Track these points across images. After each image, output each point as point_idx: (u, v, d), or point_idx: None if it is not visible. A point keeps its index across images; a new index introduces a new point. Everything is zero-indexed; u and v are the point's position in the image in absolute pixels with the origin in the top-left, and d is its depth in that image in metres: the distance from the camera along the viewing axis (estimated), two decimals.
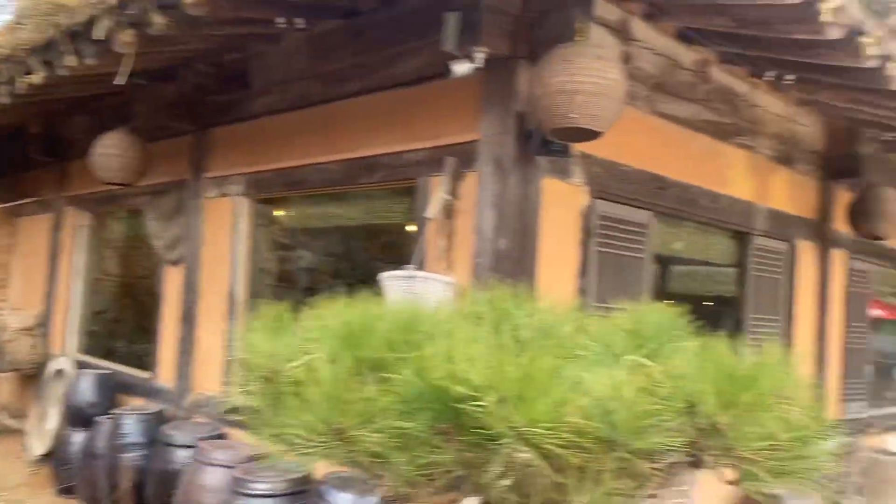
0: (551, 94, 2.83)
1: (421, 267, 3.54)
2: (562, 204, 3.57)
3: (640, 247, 4.00)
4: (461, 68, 3.16)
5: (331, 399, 1.09)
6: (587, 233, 3.70)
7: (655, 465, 1.03)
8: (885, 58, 3.37)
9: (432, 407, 1.06)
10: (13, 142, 7.68)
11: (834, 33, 3.09)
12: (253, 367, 1.25)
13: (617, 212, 3.87)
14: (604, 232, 3.80)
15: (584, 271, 3.68)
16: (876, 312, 6.64)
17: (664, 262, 4.82)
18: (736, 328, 4.82)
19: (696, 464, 1.04)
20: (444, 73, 3.28)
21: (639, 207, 3.99)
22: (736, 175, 4.70)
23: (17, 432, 7.14)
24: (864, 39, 3.19)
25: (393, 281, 3.22)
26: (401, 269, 3.28)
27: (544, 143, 3.19)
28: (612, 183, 3.81)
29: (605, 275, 3.80)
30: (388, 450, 1.08)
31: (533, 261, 3.37)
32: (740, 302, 4.88)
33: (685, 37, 4.07)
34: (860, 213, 5.13)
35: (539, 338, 1.37)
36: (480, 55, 3.14)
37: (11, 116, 6.29)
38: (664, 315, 1.31)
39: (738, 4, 3.28)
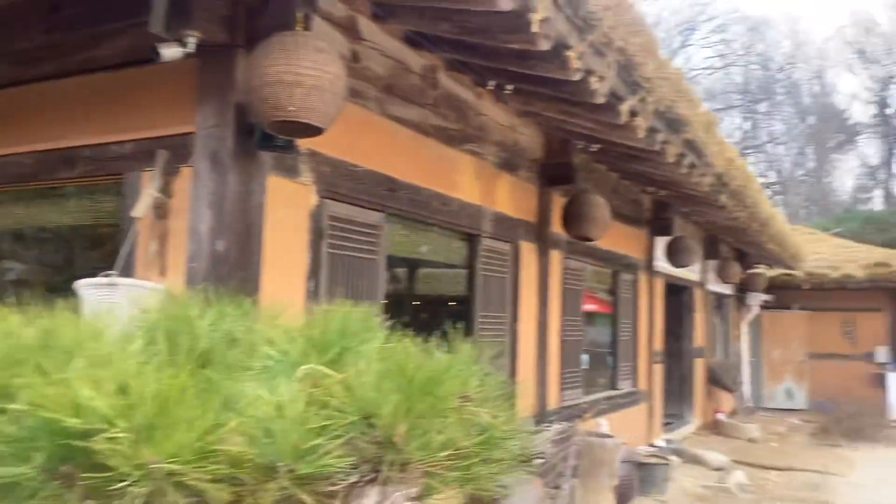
0: (269, 84, 2.65)
1: (129, 272, 3.16)
2: (289, 203, 3.40)
3: (374, 248, 3.96)
4: (170, 53, 2.85)
5: None
6: (317, 234, 3.57)
7: (333, 489, 0.91)
8: (588, 72, 3.66)
9: (48, 446, 0.84)
10: None
11: (543, 45, 3.28)
12: None
13: (348, 212, 3.79)
14: (335, 233, 3.69)
15: (314, 274, 3.53)
16: (589, 307, 7.34)
17: (398, 263, 4.86)
18: (467, 326, 5.00)
19: (378, 482, 0.94)
20: (154, 57, 2.95)
21: (371, 209, 3.95)
22: (464, 179, 4.87)
23: None
24: (569, 53, 3.43)
25: (91, 290, 2.82)
26: (101, 276, 2.88)
27: (266, 137, 2.99)
28: (342, 183, 3.72)
29: (337, 277, 3.70)
30: None
31: (256, 264, 3.15)
32: (470, 301, 5.06)
33: (413, 41, 4.11)
34: (572, 217, 5.60)
35: (221, 350, 1.19)
36: (192, 40, 2.86)
37: None
38: (352, 316, 1.20)
39: (460, 10, 3.35)
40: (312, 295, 3.53)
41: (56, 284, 4.04)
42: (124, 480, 0.80)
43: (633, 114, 4.24)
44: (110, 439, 0.80)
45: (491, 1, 2.96)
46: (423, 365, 1.01)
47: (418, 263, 5.24)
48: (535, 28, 3.09)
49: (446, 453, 0.94)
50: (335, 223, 3.70)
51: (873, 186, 48.53)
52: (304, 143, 3.39)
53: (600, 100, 3.90)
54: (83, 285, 2.82)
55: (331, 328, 1.14)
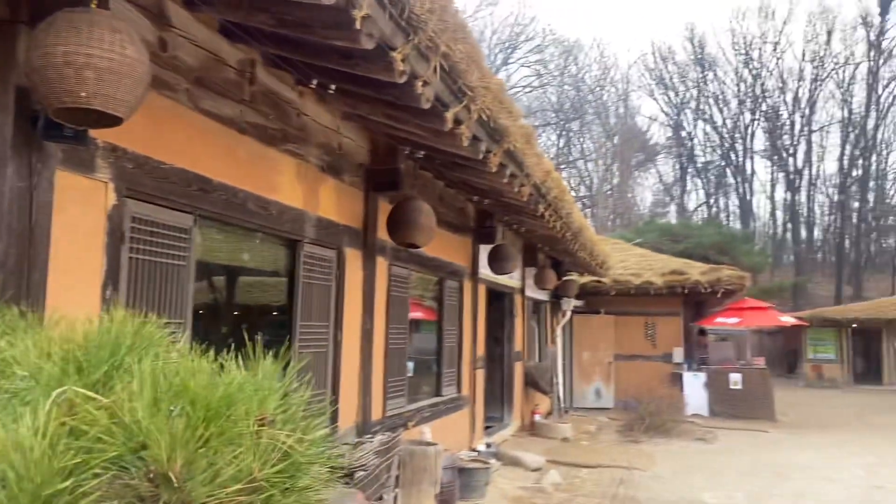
0: (56, 65, 2.32)
1: None
2: (82, 202, 3.03)
3: (182, 254, 3.65)
4: None
5: None
6: (116, 237, 3.21)
7: None
8: (414, 75, 3.61)
9: None
10: None
11: (367, 43, 3.17)
12: None
13: (154, 214, 3.46)
14: (137, 236, 3.35)
15: (111, 282, 3.18)
16: (416, 314, 7.34)
17: (213, 270, 4.54)
18: (287, 337, 4.77)
19: None
20: None
21: (180, 210, 3.63)
22: (285, 182, 4.65)
23: None
24: (394, 54, 3.35)
25: None
26: None
27: (52, 126, 2.63)
28: (147, 181, 3.39)
29: (139, 285, 3.36)
30: None
31: (41, 271, 2.77)
32: (291, 310, 4.84)
33: (229, 32, 3.86)
34: (398, 223, 5.55)
35: None
36: None
37: None
38: (127, 327, 1.02)
39: (279, 1, 3.17)
40: (110, 304, 3.17)
41: None
42: None
43: (457, 121, 4.25)
44: None
45: None
46: (211, 384, 0.85)
47: (236, 271, 4.93)
48: (357, 25, 2.98)
49: (237, 487, 0.80)
50: (138, 225, 3.36)
51: (669, 202, 53.52)
52: (102, 136, 3.05)
53: (426, 105, 3.86)
54: None
55: (99, 343, 0.95)
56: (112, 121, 2.53)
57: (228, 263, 4.71)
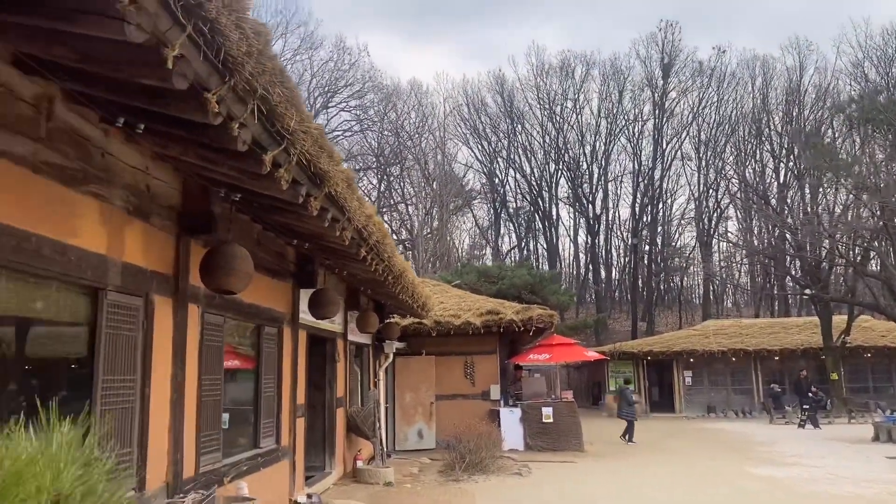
0: None
1: None
2: None
3: None
4: None
5: None
6: None
7: None
8: (229, 118, 3.52)
9: None
10: None
11: (180, 84, 3.06)
12: None
13: None
14: None
15: None
16: (232, 363, 7.02)
17: (2, 322, 4.08)
18: (87, 392, 4.38)
19: None
20: None
21: None
22: (87, 226, 4.31)
23: None
24: (208, 95, 3.26)
25: None
26: None
27: None
28: None
29: None
30: None
31: None
32: (93, 363, 4.46)
33: (24, 65, 3.56)
34: (212, 269, 5.31)
35: None
36: None
37: None
38: None
39: (79, 35, 2.98)
40: None
41: None
42: None
43: (276, 164, 4.19)
44: None
45: (117, 29, 2.68)
46: None
47: (28, 322, 4.45)
48: (169, 65, 2.87)
49: None
50: None
51: (485, 244, 55.91)
52: None
53: (242, 147, 3.78)
54: None
55: None
56: None
57: (18, 314, 4.24)
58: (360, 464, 11.70)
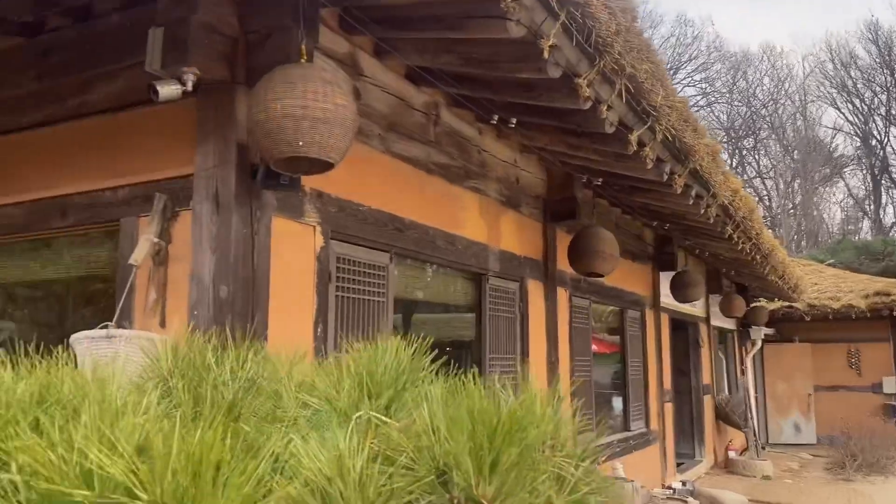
0: (275, 119, 2.51)
1: (127, 323, 2.98)
2: (294, 246, 3.24)
3: (382, 290, 3.79)
4: (168, 91, 2.73)
5: None
6: (324, 276, 3.40)
7: None
8: (597, 101, 3.56)
9: None
10: None
11: (553, 73, 3.18)
12: None
13: (355, 254, 3.64)
14: (342, 275, 3.53)
15: (321, 318, 3.36)
16: (597, 346, 7.16)
17: (405, 305, 4.68)
18: (476, 370, 4.80)
19: None
20: (150, 99, 2.82)
21: (378, 249, 3.79)
22: (469, 217, 4.73)
23: None
24: (578, 81, 3.33)
25: (87, 343, 2.63)
26: (97, 328, 2.70)
27: (269, 176, 2.85)
28: (348, 223, 3.57)
29: (345, 321, 3.52)
30: None
31: (262, 310, 2.98)
32: (480, 342, 4.88)
33: (414, 77, 4.02)
34: (579, 253, 5.46)
35: (247, 398, 1.03)
36: (190, 77, 2.74)
37: None
38: (400, 355, 1.04)
39: (464, 41, 3.26)
40: (321, 340, 3.35)
41: (50, 341, 3.84)
42: None
43: (641, 144, 4.14)
44: None
45: (499, 28, 2.87)
46: (499, 408, 0.84)
47: (425, 305, 5.05)
48: (545, 55, 2.99)
49: None
50: (342, 265, 3.54)
51: (862, 217, 48.90)
52: (308, 183, 3.26)
53: (609, 129, 3.80)
54: (79, 339, 2.64)
55: (376, 370, 0.97)
56: (323, 167, 2.70)
57: (418, 298, 4.83)
58: (732, 454, 11.09)
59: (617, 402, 7.67)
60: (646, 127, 4.05)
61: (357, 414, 0.87)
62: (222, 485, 0.67)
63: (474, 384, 0.90)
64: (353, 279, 3.61)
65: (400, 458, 0.78)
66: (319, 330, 3.33)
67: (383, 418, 0.87)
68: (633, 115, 3.91)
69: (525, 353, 5.37)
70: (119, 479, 0.65)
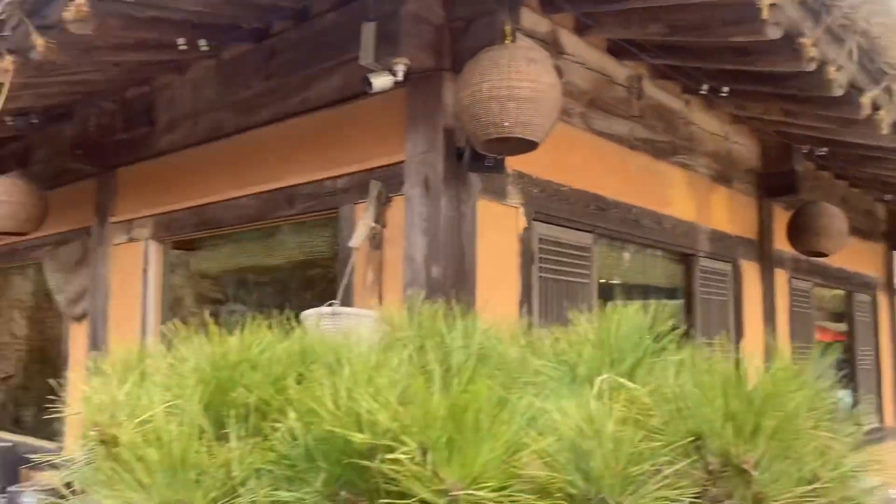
0: (482, 101, 2.56)
1: (348, 302, 3.19)
2: (499, 226, 3.29)
3: (585, 271, 3.75)
4: (380, 82, 2.87)
5: (173, 468, 0.75)
6: (527, 257, 3.42)
7: None
8: (824, 61, 3.24)
9: (327, 467, 0.73)
10: None
11: (773, 34, 2.94)
12: (87, 425, 0.90)
13: (558, 234, 3.62)
14: (545, 256, 3.53)
15: (525, 299, 3.38)
16: (821, 333, 6.56)
17: (608, 287, 4.59)
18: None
19: None
20: (364, 91, 2.99)
21: (580, 229, 3.75)
22: (676, 195, 4.53)
23: None
24: (802, 41, 3.05)
25: (316, 320, 2.85)
26: (324, 305, 2.92)
27: (475, 159, 2.91)
28: (551, 204, 3.56)
29: (548, 302, 3.52)
30: None
31: (470, 289, 3.06)
32: (690, 326, 4.66)
33: (616, 50, 3.91)
34: (800, 230, 5.03)
35: (478, 363, 1.05)
36: (401, 67, 2.87)
37: None
38: (638, 321, 1.01)
39: (674, 7, 3.11)
40: (525, 321, 3.38)
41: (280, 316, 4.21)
42: None
43: (875, 107, 3.71)
44: (399, 460, 0.68)
45: None
46: (749, 376, 0.79)
47: (629, 288, 4.92)
48: (764, 15, 2.77)
49: (801, 490, 0.72)
50: (545, 246, 3.54)
51: None
52: (511, 165, 3.28)
53: (837, 92, 3.45)
54: (309, 315, 2.87)
55: (614, 336, 0.95)
56: (528, 146, 2.71)
57: (621, 280, 4.71)
58: None
59: (843, 396, 6.99)
60: (881, 88, 3.63)
61: (601, 377, 0.86)
62: (485, 433, 0.69)
63: (717, 353, 0.85)
64: (556, 260, 3.59)
65: (651, 421, 0.76)
66: (524, 310, 3.36)
67: (628, 383, 0.86)
68: (865, 75, 3.52)
69: (738, 340, 5.05)
70: (386, 425, 0.69)
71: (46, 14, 2.96)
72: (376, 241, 3.19)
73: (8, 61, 3.33)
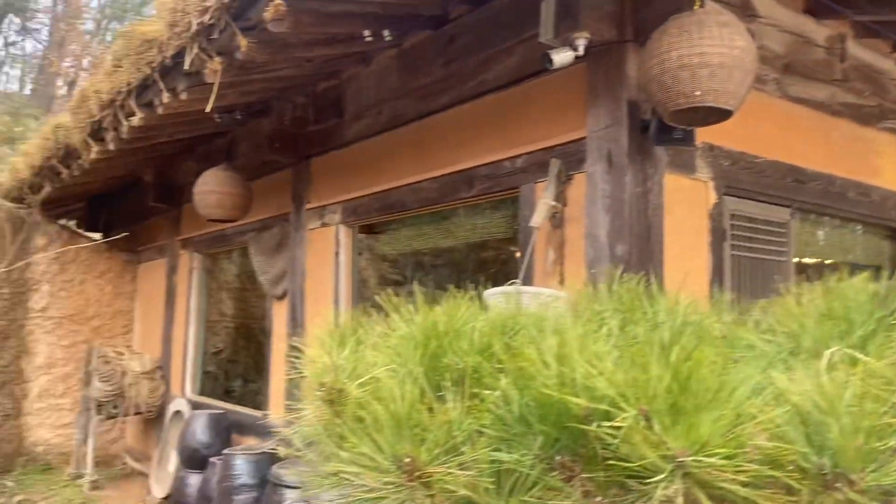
0: (671, 70, 2.45)
1: (529, 282, 3.21)
2: (687, 202, 3.15)
3: (782, 249, 3.50)
4: (561, 58, 2.84)
5: (399, 424, 0.80)
6: (718, 234, 3.25)
7: None
8: None
9: (544, 430, 0.74)
10: (133, 191, 8.03)
11: None
12: (310, 386, 0.98)
13: (751, 210, 3.41)
14: (737, 233, 3.34)
15: (717, 278, 3.22)
16: None
17: (805, 267, 4.25)
18: None
19: None
20: (542, 69, 2.98)
21: (776, 204, 3.50)
22: (886, 164, 4.10)
23: (142, 475, 7.26)
24: None
25: (498, 299, 2.90)
26: (506, 285, 2.95)
27: (662, 131, 2.80)
28: (743, 177, 3.36)
29: (741, 282, 3.33)
30: (482, 492, 0.76)
31: (658, 268, 2.96)
32: None
33: (815, 10, 3.59)
34: None
35: (686, 337, 1.02)
36: (581, 41, 2.81)
37: (124, 164, 6.51)
38: (869, 291, 0.93)
39: None
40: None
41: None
42: (644, 475, 0.67)
43: None
44: (619, 426, 0.68)
45: None
46: None
47: (826, 266, 4.53)
48: None
49: None
50: (737, 222, 3.35)
51: None
52: (700, 137, 3.13)
53: None
54: (492, 294, 2.91)
55: (843, 306, 0.89)
56: (720, 116, 2.57)
57: (820, 259, 4.35)
58: None
59: None
60: None
61: (830, 350, 0.81)
62: (710, 402, 0.68)
63: None
64: (749, 237, 3.39)
65: (893, 397, 0.70)
66: (715, 289, 3.20)
67: (861, 356, 0.79)
68: None
69: None
70: (603, 391, 0.69)
71: (249, 16, 3.22)
72: (557, 219, 3.17)
73: (216, 62, 3.67)
